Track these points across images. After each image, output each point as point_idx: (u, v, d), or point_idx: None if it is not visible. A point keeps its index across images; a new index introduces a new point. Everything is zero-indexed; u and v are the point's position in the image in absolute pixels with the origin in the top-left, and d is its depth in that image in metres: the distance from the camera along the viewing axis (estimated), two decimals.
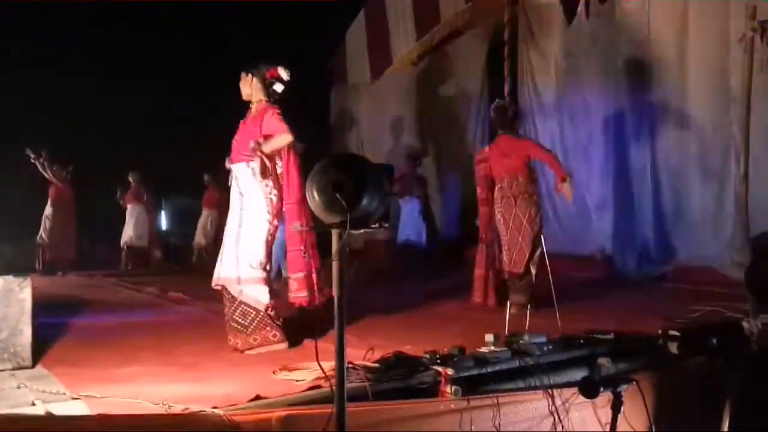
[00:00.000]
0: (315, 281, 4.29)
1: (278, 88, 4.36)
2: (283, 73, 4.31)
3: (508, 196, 5.37)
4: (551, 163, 5.41)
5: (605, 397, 3.17)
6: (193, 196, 11.34)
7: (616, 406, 2.92)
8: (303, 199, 4.07)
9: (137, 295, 7.07)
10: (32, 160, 9.11)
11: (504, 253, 5.43)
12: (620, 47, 7.58)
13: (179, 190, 11.84)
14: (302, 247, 4.19)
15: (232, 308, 4.21)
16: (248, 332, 4.17)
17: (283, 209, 4.20)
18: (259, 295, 4.18)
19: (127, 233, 10.38)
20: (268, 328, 4.17)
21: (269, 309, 4.20)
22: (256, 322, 4.17)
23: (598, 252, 7.70)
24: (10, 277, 3.70)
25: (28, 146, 9.05)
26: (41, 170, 9.22)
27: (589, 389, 2.90)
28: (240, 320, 4.19)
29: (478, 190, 5.76)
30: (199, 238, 10.85)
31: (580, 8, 8.06)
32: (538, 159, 5.46)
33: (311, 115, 11.31)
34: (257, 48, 9.70)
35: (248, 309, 4.19)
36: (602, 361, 3.51)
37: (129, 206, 10.44)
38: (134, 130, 10.52)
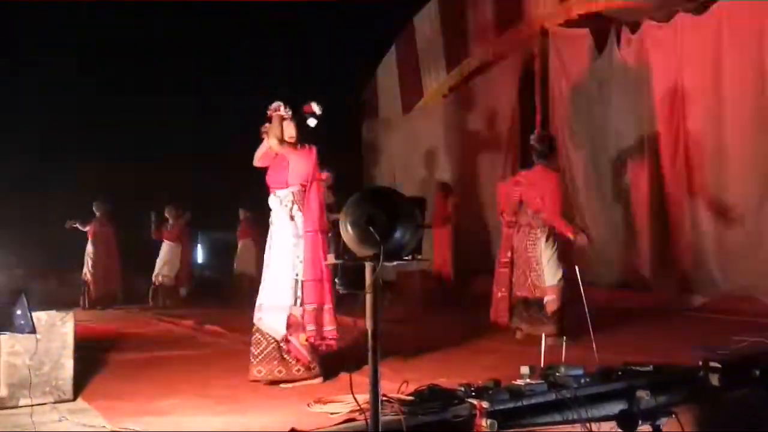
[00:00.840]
0: (325, 317, 4.30)
1: (312, 122, 4.46)
2: (317, 108, 4.42)
3: (529, 223, 5.44)
4: (552, 219, 5.35)
5: (644, 430, 3.11)
6: (228, 229, 11.43)
7: None
8: (322, 229, 4.25)
9: (174, 329, 7.16)
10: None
11: (520, 276, 5.47)
12: (652, 75, 7.56)
13: (213, 221, 11.91)
14: (321, 278, 4.26)
15: (251, 336, 4.26)
16: (255, 362, 4.19)
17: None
18: (278, 325, 4.21)
19: (159, 270, 10.15)
20: (285, 361, 4.16)
21: (284, 341, 4.19)
22: (265, 353, 4.18)
23: (634, 281, 7.58)
24: (53, 312, 3.80)
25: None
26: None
27: (627, 422, 2.85)
28: (252, 349, 4.22)
29: (506, 214, 5.85)
30: (239, 269, 10.80)
31: (611, 37, 8.07)
32: (546, 202, 5.40)
33: (343, 149, 11.48)
34: (290, 82, 9.94)
35: (261, 338, 4.22)
36: (641, 393, 3.45)
37: (165, 243, 10.23)
38: (170, 162, 10.56)
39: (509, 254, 5.65)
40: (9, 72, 8.67)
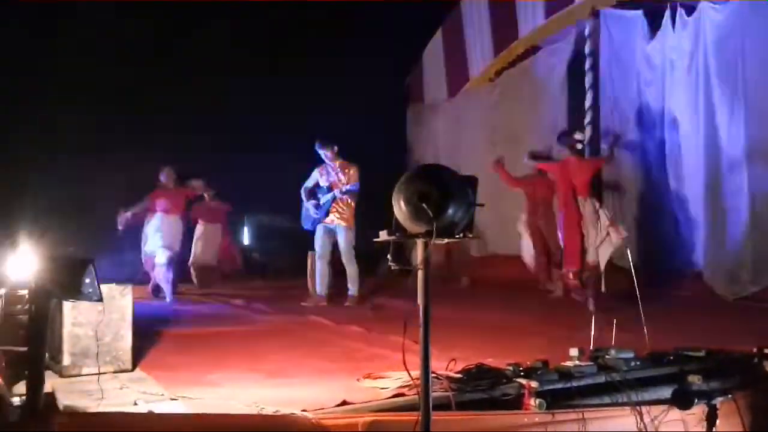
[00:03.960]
0: None
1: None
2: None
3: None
4: None
5: (697, 415, 3.08)
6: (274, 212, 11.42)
7: (711, 418, 2.81)
8: None
9: (224, 307, 7.34)
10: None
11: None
12: (710, 60, 7.32)
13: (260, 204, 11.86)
14: None
15: None
16: None
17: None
18: None
19: (195, 252, 9.40)
20: None
21: None
22: None
23: (688, 269, 7.43)
24: (112, 285, 3.94)
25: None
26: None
27: (682, 400, 2.80)
28: None
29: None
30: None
31: (665, 19, 7.86)
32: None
33: (388, 134, 11.49)
34: (337, 68, 9.98)
35: None
36: (693, 378, 3.40)
37: (200, 225, 9.41)
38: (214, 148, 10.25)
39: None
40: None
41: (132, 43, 9.04)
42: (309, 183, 7.18)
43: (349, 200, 7.01)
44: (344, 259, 6.98)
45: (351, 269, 6.97)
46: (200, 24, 9.69)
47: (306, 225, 7.28)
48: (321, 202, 7.00)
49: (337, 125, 9.24)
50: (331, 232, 7.04)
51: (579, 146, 7.58)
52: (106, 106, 8.71)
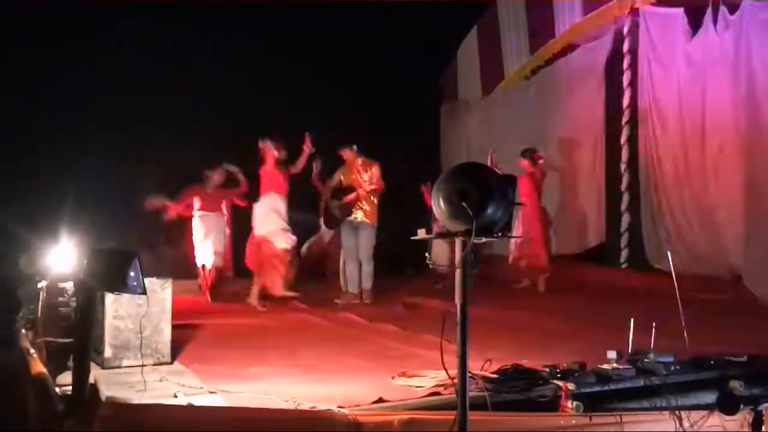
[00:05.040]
0: None
1: None
2: None
3: None
4: None
5: (738, 421, 3.02)
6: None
7: (757, 424, 2.74)
8: None
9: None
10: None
11: None
12: (753, 58, 7.15)
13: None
14: None
15: None
16: None
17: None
18: None
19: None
20: None
21: None
22: None
23: (727, 273, 7.27)
24: (153, 279, 4.02)
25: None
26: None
27: (728, 405, 2.74)
28: None
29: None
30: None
31: (707, 17, 7.70)
32: None
33: (420, 131, 11.45)
34: (372, 67, 9.97)
35: None
36: (734, 383, 3.33)
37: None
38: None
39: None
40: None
41: (174, 44, 9.13)
42: (333, 182, 7.30)
43: (373, 198, 7.08)
44: (362, 256, 7.05)
45: (368, 267, 7.06)
46: (236, 22, 9.78)
47: (330, 224, 7.42)
48: (345, 201, 7.09)
49: (371, 124, 9.25)
50: (355, 230, 7.12)
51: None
52: (149, 104, 8.84)
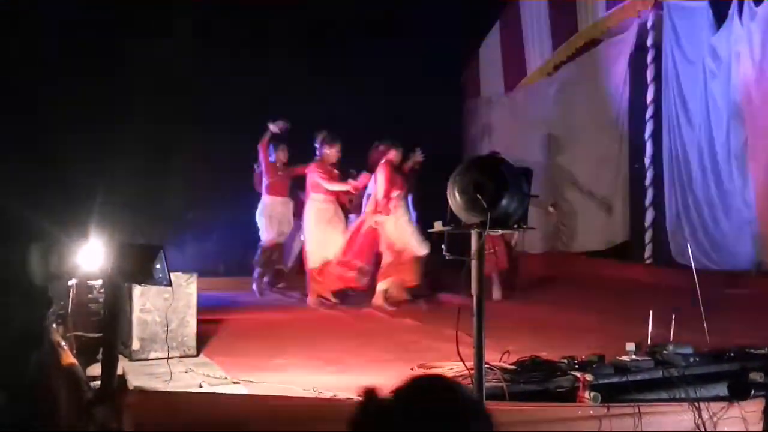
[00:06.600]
0: None
1: None
2: None
3: None
4: None
5: (758, 413, 3.01)
6: None
7: None
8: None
9: (282, 297, 7.50)
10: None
11: None
12: None
13: None
14: None
15: None
16: None
17: None
18: None
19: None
20: None
21: None
22: None
23: (753, 267, 7.19)
24: (179, 273, 4.12)
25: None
26: None
27: (739, 390, 2.75)
28: None
29: None
30: None
31: (732, 9, 7.60)
32: None
33: (443, 128, 11.46)
34: (394, 63, 10.02)
35: None
36: (754, 376, 3.32)
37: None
38: None
39: None
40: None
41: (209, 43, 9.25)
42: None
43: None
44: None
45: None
46: (259, 22, 9.89)
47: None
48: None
49: (393, 120, 9.26)
50: None
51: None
52: (171, 104, 8.97)
